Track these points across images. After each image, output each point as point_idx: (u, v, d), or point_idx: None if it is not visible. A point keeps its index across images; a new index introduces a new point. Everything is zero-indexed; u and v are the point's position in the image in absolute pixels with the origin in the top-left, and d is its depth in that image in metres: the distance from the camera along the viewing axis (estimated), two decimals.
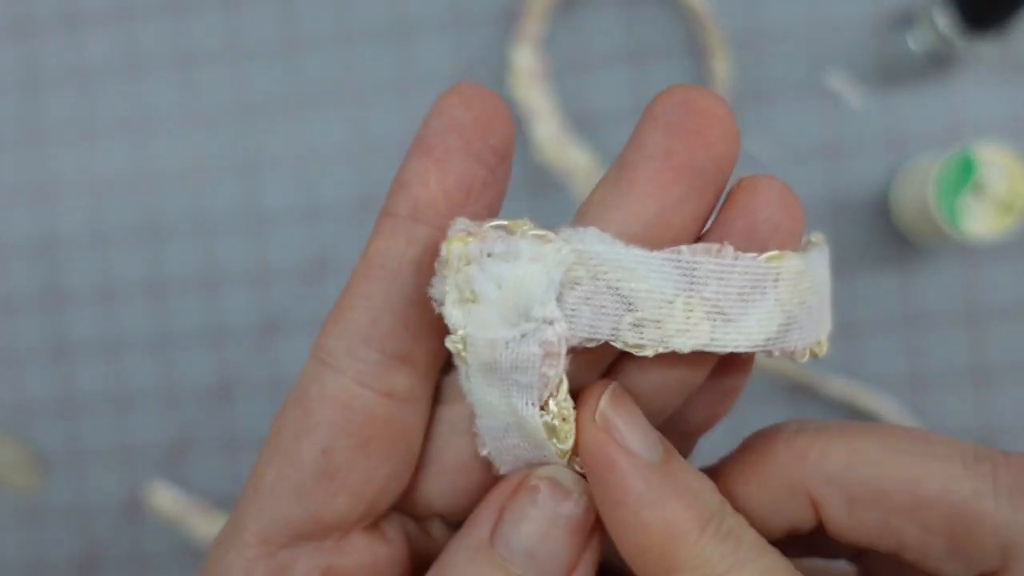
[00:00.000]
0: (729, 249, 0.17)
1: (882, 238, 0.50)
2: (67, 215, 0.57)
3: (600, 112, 0.52)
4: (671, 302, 0.17)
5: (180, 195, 0.56)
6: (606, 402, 0.17)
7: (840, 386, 0.49)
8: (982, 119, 0.49)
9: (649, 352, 0.17)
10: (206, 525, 0.53)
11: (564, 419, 0.17)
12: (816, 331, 0.18)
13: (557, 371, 0.17)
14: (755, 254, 0.17)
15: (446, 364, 0.20)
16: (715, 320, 0.17)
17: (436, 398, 0.20)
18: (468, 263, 0.17)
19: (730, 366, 0.20)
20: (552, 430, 0.17)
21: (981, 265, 0.49)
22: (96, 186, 0.56)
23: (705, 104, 0.16)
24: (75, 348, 0.56)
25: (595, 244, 0.17)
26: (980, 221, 0.44)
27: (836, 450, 0.18)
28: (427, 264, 0.18)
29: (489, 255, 0.17)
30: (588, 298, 0.17)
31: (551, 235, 0.17)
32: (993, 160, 0.43)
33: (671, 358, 0.17)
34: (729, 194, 0.18)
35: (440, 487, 0.20)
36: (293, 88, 0.55)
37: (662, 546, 0.17)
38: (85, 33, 0.57)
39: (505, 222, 0.17)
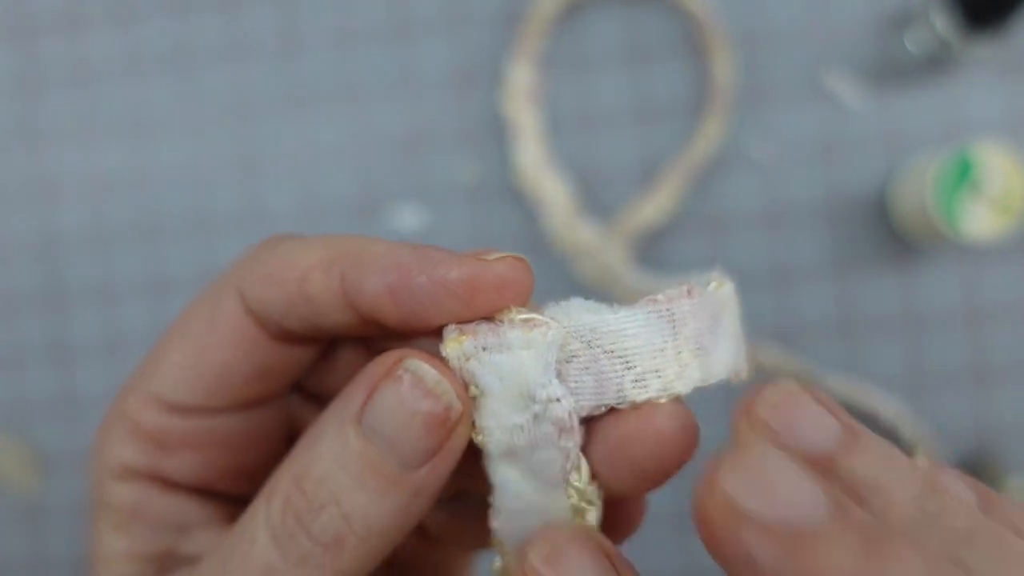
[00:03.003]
0: (696, 286, 0.18)
1: (880, 238, 0.50)
2: (67, 215, 0.57)
3: (600, 113, 0.52)
4: (662, 350, 0.17)
5: (180, 195, 0.56)
6: (539, 556, 0.16)
7: (839, 385, 0.49)
8: (979, 119, 0.49)
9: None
10: None
11: (590, 502, 0.18)
12: (742, 349, 0.19)
13: (575, 442, 0.18)
14: (706, 288, 0.18)
15: None
16: (699, 357, 0.18)
17: None
18: (468, 359, 0.18)
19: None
20: (578, 512, 0.18)
21: (979, 265, 0.49)
22: (96, 186, 0.56)
23: None
24: (75, 348, 0.56)
25: (582, 315, 0.17)
26: (977, 221, 0.44)
27: None
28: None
29: (484, 349, 0.17)
30: (587, 367, 0.17)
31: (538, 317, 0.17)
32: (990, 160, 0.43)
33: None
34: None
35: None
36: (293, 88, 0.55)
37: None
38: (85, 33, 0.57)
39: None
